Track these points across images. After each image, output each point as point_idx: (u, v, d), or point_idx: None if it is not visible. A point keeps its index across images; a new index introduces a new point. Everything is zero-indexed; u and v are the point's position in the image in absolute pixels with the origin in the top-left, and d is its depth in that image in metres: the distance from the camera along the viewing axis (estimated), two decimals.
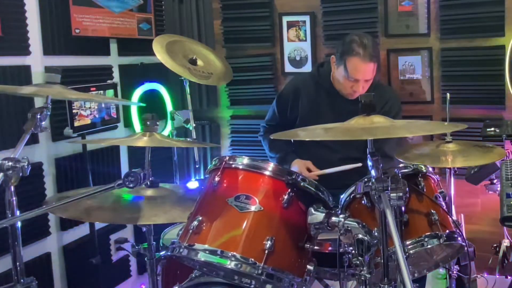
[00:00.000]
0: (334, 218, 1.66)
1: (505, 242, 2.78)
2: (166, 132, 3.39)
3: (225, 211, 1.70)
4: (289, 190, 1.71)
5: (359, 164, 2.43)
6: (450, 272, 2.48)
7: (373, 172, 1.52)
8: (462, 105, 3.23)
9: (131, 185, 1.60)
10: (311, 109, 2.76)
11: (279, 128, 2.86)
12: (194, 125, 3.08)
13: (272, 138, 1.73)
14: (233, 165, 1.79)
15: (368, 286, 1.62)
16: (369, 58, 2.52)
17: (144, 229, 2.04)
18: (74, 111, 2.73)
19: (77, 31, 2.88)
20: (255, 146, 3.72)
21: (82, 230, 2.99)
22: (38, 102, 2.58)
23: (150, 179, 1.88)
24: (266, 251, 1.62)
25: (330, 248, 1.93)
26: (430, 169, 1.98)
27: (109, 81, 3.12)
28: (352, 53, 2.53)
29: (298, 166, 2.68)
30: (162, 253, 2.18)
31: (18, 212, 1.73)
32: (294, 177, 1.72)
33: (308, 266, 1.73)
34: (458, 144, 2.41)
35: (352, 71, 2.55)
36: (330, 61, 2.73)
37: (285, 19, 3.62)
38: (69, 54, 2.90)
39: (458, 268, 2.50)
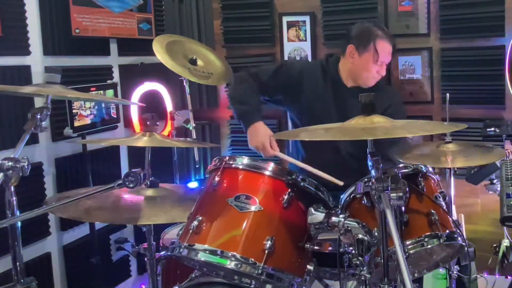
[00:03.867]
0: (334, 218, 1.66)
1: (505, 242, 2.78)
2: (166, 132, 3.39)
3: (225, 211, 1.70)
4: (289, 190, 1.72)
5: (340, 183, 2.18)
6: (450, 272, 2.48)
7: (373, 172, 1.52)
8: (462, 105, 3.23)
9: (131, 185, 1.60)
10: (315, 97, 2.66)
11: (262, 85, 2.67)
12: (194, 125, 3.08)
13: (271, 137, 1.72)
14: (233, 165, 1.79)
15: (368, 286, 1.63)
16: (392, 40, 2.64)
17: (144, 229, 2.04)
18: (74, 111, 2.73)
19: (77, 31, 2.88)
20: None
21: (82, 230, 2.99)
22: (38, 102, 2.58)
23: (150, 179, 1.89)
24: (266, 251, 1.62)
25: (330, 248, 1.93)
26: (430, 169, 1.98)
27: (109, 81, 3.12)
28: (379, 36, 2.59)
29: (259, 135, 2.46)
30: (162, 253, 2.18)
31: (18, 212, 1.73)
32: (294, 177, 1.72)
33: (308, 266, 1.73)
34: (458, 144, 2.41)
35: (382, 53, 2.59)
36: (338, 54, 2.70)
37: (285, 19, 3.62)
38: (69, 54, 2.91)
39: (458, 268, 2.50)
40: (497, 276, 3.04)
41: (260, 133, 2.49)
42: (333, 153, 2.61)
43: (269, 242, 1.63)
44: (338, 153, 2.62)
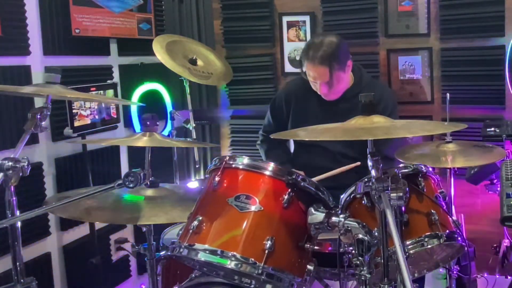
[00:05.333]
0: (334, 218, 1.66)
1: (505, 242, 2.78)
2: (166, 132, 3.40)
3: (225, 211, 1.70)
4: (289, 190, 1.71)
5: (358, 164, 2.40)
6: (450, 272, 2.48)
7: (373, 172, 1.52)
8: (462, 105, 3.23)
9: (131, 185, 1.60)
10: (300, 110, 2.77)
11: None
12: (194, 125, 3.08)
13: (272, 137, 1.73)
14: (233, 165, 1.79)
15: (368, 286, 1.62)
16: (319, 61, 2.50)
17: (144, 229, 2.04)
18: (74, 111, 2.73)
19: (77, 31, 2.88)
20: (255, 146, 3.71)
21: (82, 230, 2.99)
22: (38, 102, 2.58)
23: (150, 179, 1.88)
24: (266, 251, 1.62)
25: (330, 248, 1.93)
26: (430, 169, 1.98)
27: (109, 81, 3.12)
28: (304, 56, 2.58)
29: None
30: (162, 253, 2.18)
31: (18, 212, 1.73)
32: (294, 177, 1.72)
33: (308, 266, 1.73)
34: (458, 144, 2.41)
35: (307, 73, 2.60)
36: None
37: (285, 19, 3.62)
38: (69, 54, 2.90)
39: (458, 268, 2.50)
40: (497, 276, 3.05)
41: None
42: (323, 154, 2.63)
43: (269, 242, 1.63)
44: (328, 154, 2.63)
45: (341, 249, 1.71)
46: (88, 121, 2.83)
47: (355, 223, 1.62)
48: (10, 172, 1.67)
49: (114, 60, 3.25)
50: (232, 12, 3.72)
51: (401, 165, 2.02)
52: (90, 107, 2.84)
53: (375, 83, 2.93)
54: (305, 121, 2.72)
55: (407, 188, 1.51)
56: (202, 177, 3.60)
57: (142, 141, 1.81)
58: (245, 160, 1.78)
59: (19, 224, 1.73)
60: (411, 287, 1.32)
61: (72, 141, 2.82)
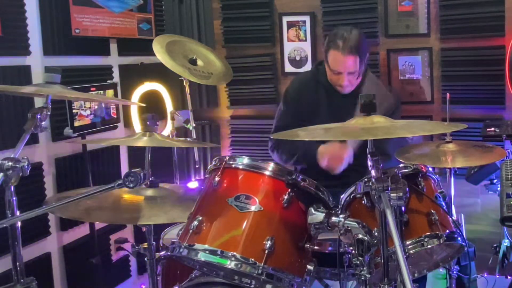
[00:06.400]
0: (334, 218, 1.66)
1: (505, 242, 2.78)
2: (166, 132, 3.39)
3: (225, 211, 1.70)
4: (289, 190, 1.72)
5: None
6: (450, 272, 2.48)
7: (373, 172, 1.52)
8: (462, 105, 3.23)
9: (131, 185, 1.59)
10: (310, 106, 2.76)
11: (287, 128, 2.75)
12: (194, 125, 3.08)
13: (272, 137, 1.73)
14: (233, 165, 1.79)
15: (368, 286, 1.62)
16: (348, 50, 2.53)
17: (144, 229, 2.04)
18: (74, 111, 2.73)
19: (77, 31, 2.88)
20: (255, 146, 3.72)
21: (82, 230, 2.99)
22: (38, 102, 2.58)
23: (150, 179, 1.88)
24: (266, 251, 1.62)
25: (330, 248, 1.93)
26: (430, 169, 1.98)
27: (109, 81, 3.12)
28: (332, 46, 2.57)
29: (327, 152, 2.56)
30: (162, 253, 2.18)
31: (18, 212, 1.73)
32: (294, 177, 1.72)
33: (308, 266, 1.73)
34: (458, 144, 2.40)
35: (332, 64, 2.58)
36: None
37: (285, 19, 3.62)
38: (69, 54, 2.91)
39: (458, 268, 2.50)
40: (497, 276, 3.04)
41: (328, 153, 2.56)
42: None
43: (269, 242, 1.63)
44: None
45: (341, 249, 1.71)
46: (88, 121, 2.83)
47: (355, 223, 1.62)
48: (10, 172, 1.67)
49: (114, 60, 3.25)
50: (232, 12, 3.72)
51: (401, 165, 2.02)
52: (90, 107, 2.84)
53: (378, 86, 2.92)
54: (313, 116, 2.71)
55: (407, 188, 1.51)
56: (202, 177, 3.60)
57: (142, 141, 1.81)
58: (245, 160, 1.78)
59: (19, 224, 1.73)
60: (411, 287, 1.32)
61: (72, 141, 2.82)
